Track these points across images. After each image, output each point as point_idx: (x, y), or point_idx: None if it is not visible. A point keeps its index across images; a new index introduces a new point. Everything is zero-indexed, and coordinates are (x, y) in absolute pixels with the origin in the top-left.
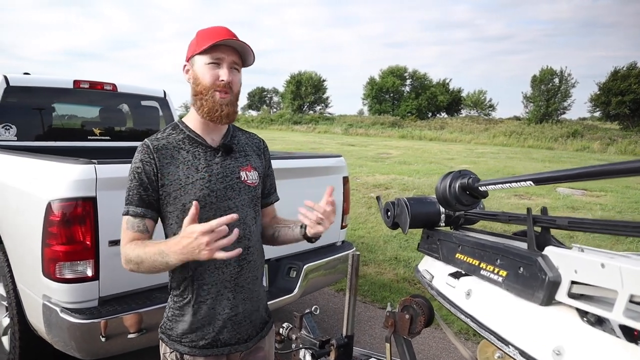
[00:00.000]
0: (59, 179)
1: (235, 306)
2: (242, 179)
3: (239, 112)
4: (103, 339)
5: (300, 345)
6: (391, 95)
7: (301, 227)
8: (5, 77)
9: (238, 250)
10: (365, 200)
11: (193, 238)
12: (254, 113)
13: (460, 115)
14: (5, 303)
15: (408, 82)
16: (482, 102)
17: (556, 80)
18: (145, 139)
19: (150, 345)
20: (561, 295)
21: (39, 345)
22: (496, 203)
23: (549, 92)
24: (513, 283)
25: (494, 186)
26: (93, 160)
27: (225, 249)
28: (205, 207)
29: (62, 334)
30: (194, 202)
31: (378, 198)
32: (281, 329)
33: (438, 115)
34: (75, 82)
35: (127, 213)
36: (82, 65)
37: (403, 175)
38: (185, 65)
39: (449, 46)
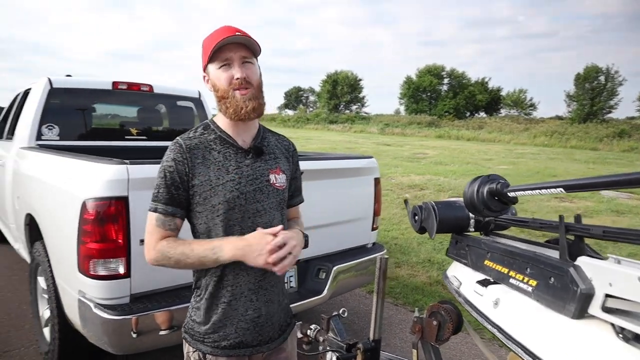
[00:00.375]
0: (94, 179)
1: (257, 308)
2: (271, 181)
3: (275, 112)
4: (134, 335)
5: (327, 348)
6: (428, 94)
7: None
8: (49, 80)
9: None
10: (400, 201)
11: (264, 241)
12: (290, 112)
13: (500, 114)
14: (46, 296)
15: (446, 81)
16: (523, 101)
17: (602, 78)
18: (178, 138)
19: (179, 342)
20: (594, 308)
21: (76, 338)
22: (536, 206)
23: (593, 91)
24: (543, 294)
25: (523, 192)
26: (125, 161)
27: None
28: (234, 208)
29: (95, 328)
30: (281, 226)
31: (406, 201)
32: (309, 331)
33: (476, 114)
34: (113, 83)
35: (155, 210)
36: (125, 66)
37: (439, 175)
38: (204, 77)
39: (488, 44)
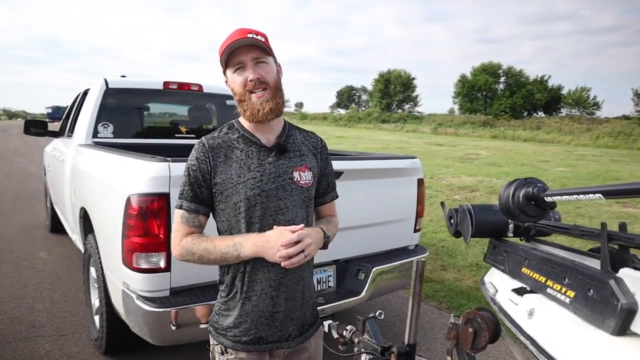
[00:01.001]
0: (138, 175)
1: (277, 304)
2: (295, 179)
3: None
4: (173, 327)
5: (362, 350)
6: (483, 93)
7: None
8: (105, 80)
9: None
10: (449, 202)
11: (281, 238)
12: (342, 111)
13: (560, 114)
14: (97, 286)
15: (502, 79)
16: (585, 99)
17: None
18: (202, 137)
19: None
20: (638, 326)
21: (122, 327)
22: (594, 210)
23: None
24: (581, 306)
25: (560, 197)
26: (168, 158)
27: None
28: (255, 206)
29: (137, 319)
30: (302, 225)
31: (442, 204)
32: (345, 332)
33: (534, 114)
34: (165, 83)
35: (180, 207)
36: (182, 67)
37: (491, 177)
38: (225, 81)
39: (549, 40)
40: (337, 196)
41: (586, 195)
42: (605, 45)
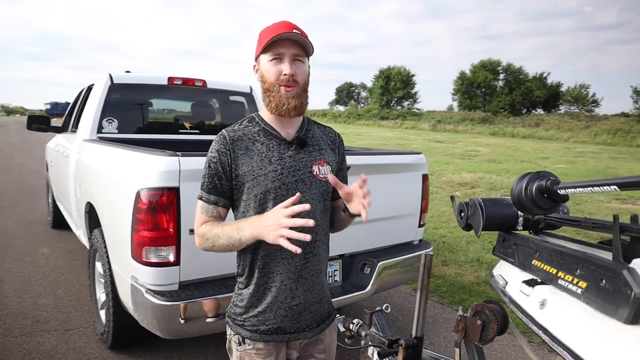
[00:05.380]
0: (147, 170)
1: (297, 296)
2: (314, 173)
3: (326, 108)
4: (182, 321)
5: (369, 343)
6: (482, 90)
7: (344, 210)
8: (110, 75)
9: (299, 249)
10: (449, 199)
11: (274, 215)
12: (341, 108)
13: (559, 111)
14: (103, 280)
15: (501, 76)
16: (584, 97)
17: None
18: (223, 130)
19: (224, 330)
20: None
21: (129, 321)
22: (594, 207)
23: None
24: (594, 296)
25: (574, 190)
26: (177, 153)
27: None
28: (275, 199)
29: (146, 312)
30: (298, 194)
31: (452, 198)
32: (351, 325)
33: (533, 111)
34: (169, 79)
35: (201, 198)
36: (184, 62)
37: (491, 174)
38: (254, 66)
39: (550, 37)
40: None
41: (601, 188)
42: (606, 42)
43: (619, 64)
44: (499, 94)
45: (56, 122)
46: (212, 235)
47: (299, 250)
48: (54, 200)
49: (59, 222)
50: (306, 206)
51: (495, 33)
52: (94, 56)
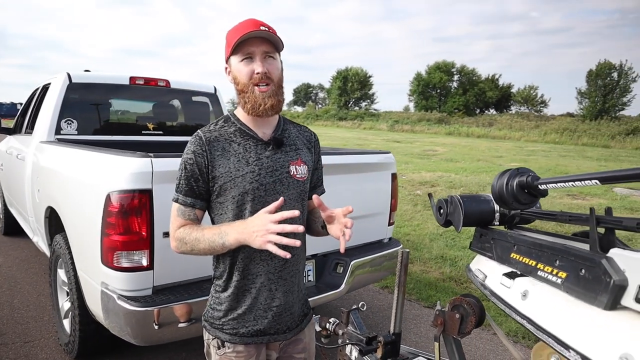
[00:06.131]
0: (118, 172)
1: (276, 297)
2: (292, 173)
3: (285, 109)
4: (156, 327)
5: (347, 341)
6: (438, 91)
7: (322, 227)
8: (68, 75)
9: (289, 255)
10: (411, 197)
11: (260, 220)
12: (299, 109)
13: (510, 111)
14: (66, 288)
15: (456, 77)
16: (533, 98)
17: (614, 75)
18: (198, 131)
19: (200, 334)
20: (628, 300)
21: (97, 329)
22: (547, 203)
23: (606, 87)
24: (574, 285)
25: (554, 185)
26: (150, 154)
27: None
28: (254, 200)
29: (118, 319)
30: (281, 198)
31: (430, 195)
32: (328, 324)
33: (486, 111)
34: (131, 78)
35: (177, 200)
36: (138, 62)
37: (450, 172)
38: (226, 68)
39: (501, 40)
40: (325, 191)
41: (582, 182)
42: (552, 45)
43: (565, 67)
44: (453, 94)
45: (5, 123)
46: (192, 240)
47: (288, 255)
48: (4, 206)
49: (11, 229)
50: (295, 212)
51: (450, 35)
52: (38, 54)
